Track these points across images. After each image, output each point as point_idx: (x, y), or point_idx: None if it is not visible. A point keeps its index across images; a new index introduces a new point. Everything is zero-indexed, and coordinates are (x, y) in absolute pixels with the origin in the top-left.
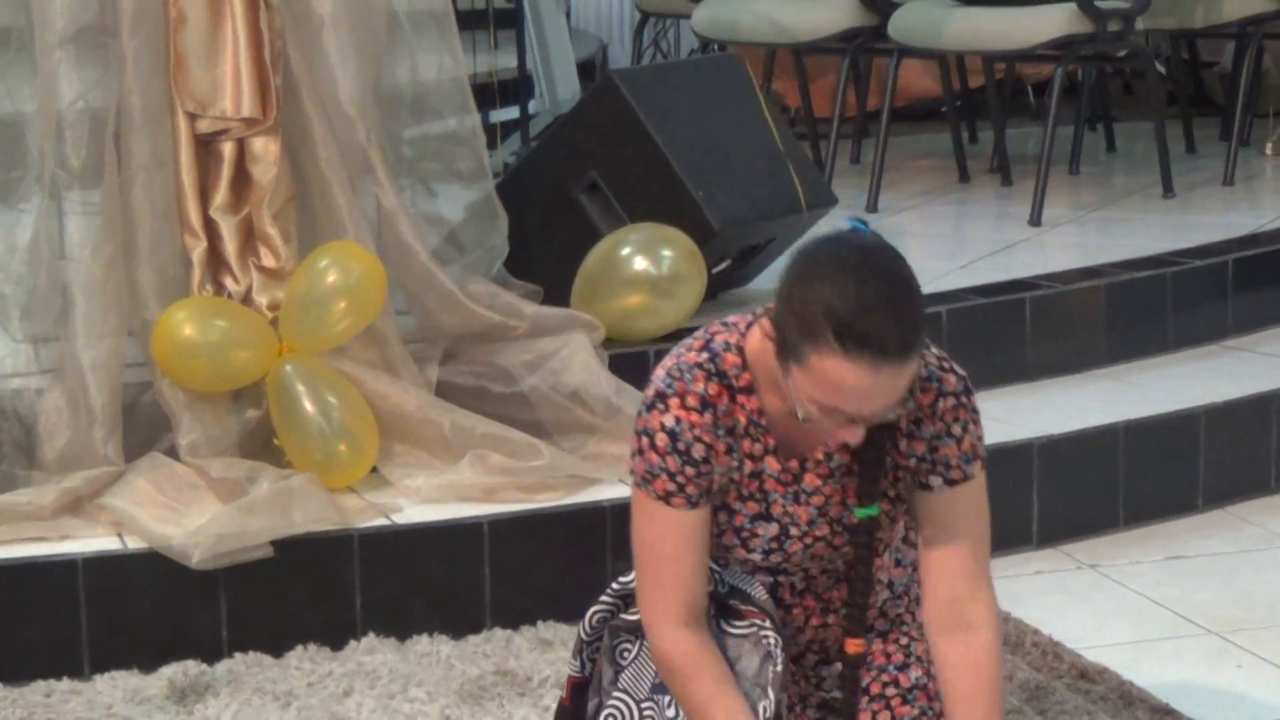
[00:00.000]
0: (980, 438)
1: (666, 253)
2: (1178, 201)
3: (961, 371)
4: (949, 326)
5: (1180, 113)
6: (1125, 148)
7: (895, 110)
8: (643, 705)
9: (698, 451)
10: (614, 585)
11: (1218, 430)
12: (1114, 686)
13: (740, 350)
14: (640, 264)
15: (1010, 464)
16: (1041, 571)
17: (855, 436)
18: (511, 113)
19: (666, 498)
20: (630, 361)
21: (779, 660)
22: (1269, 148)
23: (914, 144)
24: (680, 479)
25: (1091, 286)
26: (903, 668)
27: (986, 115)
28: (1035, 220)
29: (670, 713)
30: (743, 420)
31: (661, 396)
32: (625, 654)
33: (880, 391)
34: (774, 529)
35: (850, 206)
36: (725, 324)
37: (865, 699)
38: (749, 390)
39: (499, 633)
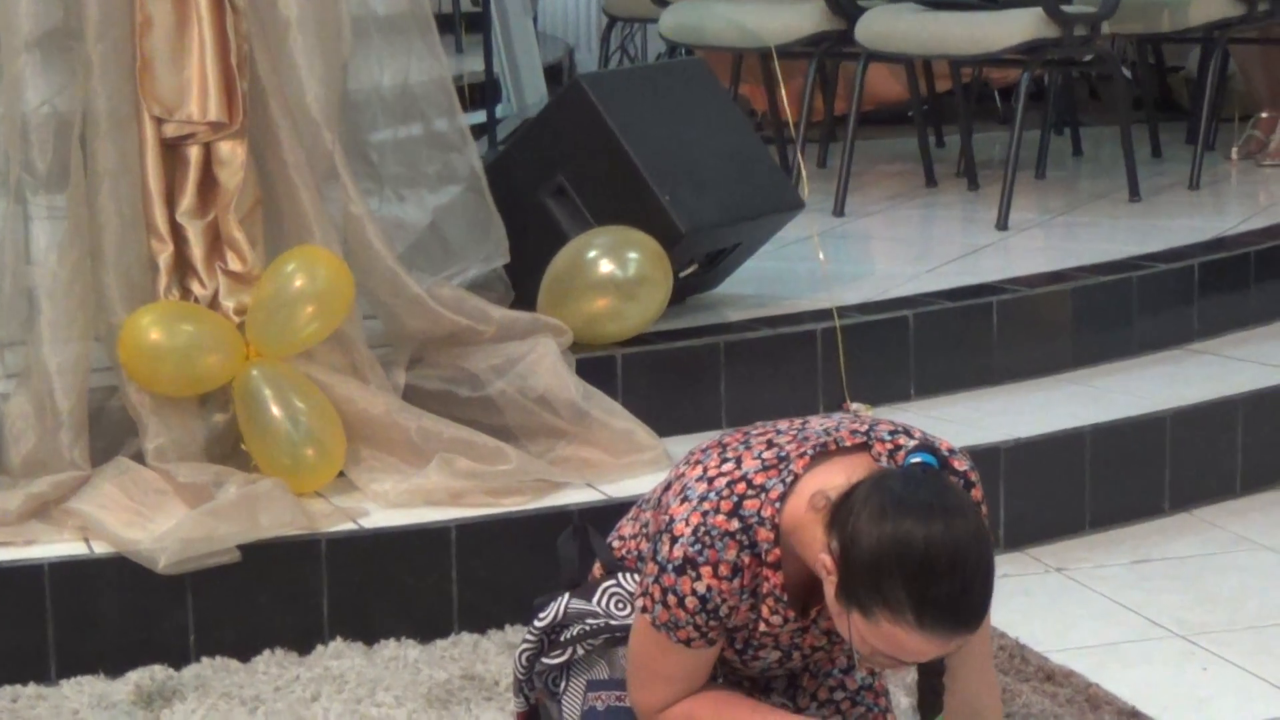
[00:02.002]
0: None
1: (632, 255)
2: (1144, 206)
3: (962, 467)
4: (916, 330)
5: (1146, 117)
6: (1091, 152)
7: (862, 114)
8: None
9: (724, 610)
10: (535, 624)
11: (1183, 433)
12: (1080, 689)
13: (775, 526)
14: (606, 267)
15: (977, 468)
16: (1008, 575)
17: (907, 668)
18: (478, 117)
19: (687, 642)
20: (597, 366)
21: (718, 677)
22: (1234, 152)
23: (881, 148)
24: (705, 629)
25: (1058, 290)
26: (847, 671)
27: (953, 119)
28: (1002, 224)
29: None
30: (765, 590)
31: (693, 563)
32: (557, 683)
33: (948, 649)
34: (777, 655)
35: (817, 210)
36: (751, 484)
37: (814, 705)
38: (776, 566)
39: (466, 637)
